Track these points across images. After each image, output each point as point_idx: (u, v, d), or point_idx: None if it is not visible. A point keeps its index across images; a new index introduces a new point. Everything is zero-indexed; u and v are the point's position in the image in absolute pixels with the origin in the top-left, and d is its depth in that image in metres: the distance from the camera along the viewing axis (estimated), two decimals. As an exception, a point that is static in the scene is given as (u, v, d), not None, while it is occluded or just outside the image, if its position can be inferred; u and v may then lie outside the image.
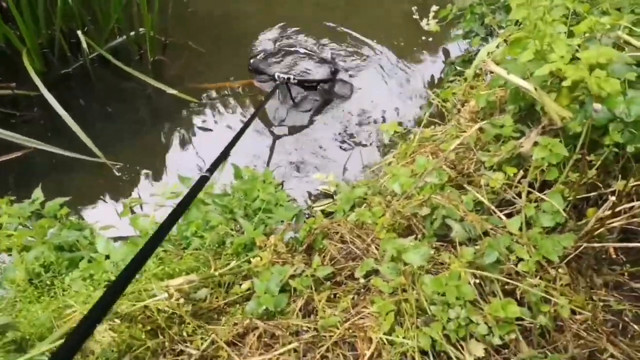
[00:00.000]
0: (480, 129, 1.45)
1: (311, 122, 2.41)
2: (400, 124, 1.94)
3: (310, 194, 2.23)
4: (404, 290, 1.07)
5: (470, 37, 2.44)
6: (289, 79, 2.30)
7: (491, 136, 1.47)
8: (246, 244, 1.37)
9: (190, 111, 2.42)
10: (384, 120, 2.49)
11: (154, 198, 1.68)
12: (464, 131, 1.61)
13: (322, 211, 1.68)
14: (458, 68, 2.33)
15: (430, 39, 2.88)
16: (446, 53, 2.83)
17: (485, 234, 1.12)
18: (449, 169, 1.43)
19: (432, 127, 1.93)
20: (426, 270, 1.06)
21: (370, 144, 2.41)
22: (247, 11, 2.93)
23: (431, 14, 2.19)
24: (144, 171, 2.17)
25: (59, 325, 1.07)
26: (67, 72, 2.41)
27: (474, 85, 1.92)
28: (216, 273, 1.21)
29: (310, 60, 2.58)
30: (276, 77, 2.31)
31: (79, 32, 2.16)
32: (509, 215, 1.19)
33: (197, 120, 2.40)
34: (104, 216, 2.03)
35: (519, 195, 1.20)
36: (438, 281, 0.97)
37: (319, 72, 2.51)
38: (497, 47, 1.88)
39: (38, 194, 1.39)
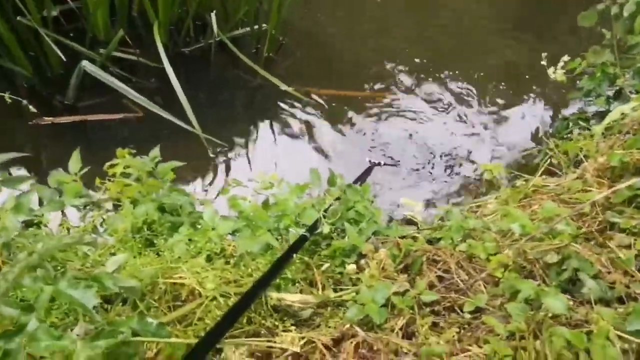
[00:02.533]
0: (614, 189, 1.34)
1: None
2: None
3: (391, 218, 2.18)
4: (522, 337, 0.97)
5: (590, 96, 2.33)
6: (379, 163, 2.29)
7: (623, 198, 1.36)
8: (345, 248, 1.32)
9: (294, 110, 2.45)
10: (471, 161, 2.42)
11: (252, 184, 1.68)
12: (590, 186, 1.51)
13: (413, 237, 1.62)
14: (576, 124, 2.22)
15: (543, 89, 2.79)
16: (556, 109, 2.71)
17: (628, 297, 1.01)
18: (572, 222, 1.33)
19: (543, 177, 1.83)
20: (558, 322, 0.96)
21: (461, 183, 2.34)
22: (357, 39, 2.96)
23: (561, 63, 2.10)
24: (241, 156, 2.20)
25: (164, 283, 1.06)
26: (185, 52, 2.50)
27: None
28: (332, 296, 1.17)
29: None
30: (368, 161, 2.29)
31: (212, 15, 2.23)
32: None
33: (299, 120, 2.42)
34: (195, 191, 2.08)
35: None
36: (579, 336, 0.87)
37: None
38: (633, 109, 1.78)
39: (156, 152, 1.41)
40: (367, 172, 2.26)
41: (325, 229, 1.31)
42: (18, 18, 1.98)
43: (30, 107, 1.75)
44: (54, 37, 1.98)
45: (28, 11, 1.98)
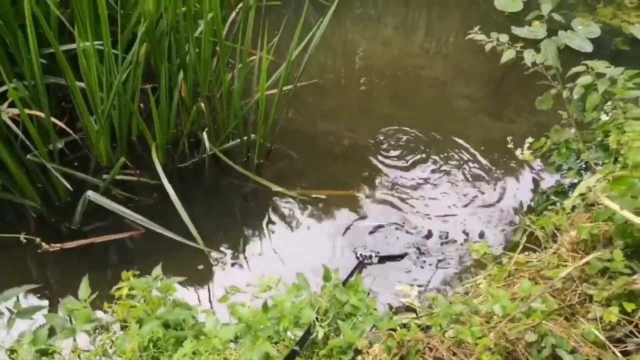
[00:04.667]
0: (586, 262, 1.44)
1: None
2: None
3: (391, 306, 2.24)
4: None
5: (562, 169, 2.49)
6: (370, 256, 2.36)
7: (596, 269, 1.46)
8: (342, 346, 1.39)
9: (287, 209, 2.60)
10: (466, 241, 2.52)
11: (250, 288, 1.77)
12: (565, 261, 1.61)
13: (404, 325, 1.68)
14: (552, 198, 2.36)
15: (518, 167, 2.96)
16: (536, 182, 2.87)
17: (603, 369, 1.08)
18: (551, 298, 1.41)
19: (526, 253, 1.93)
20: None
21: (449, 263, 2.43)
22: (339, 135, 3.18)
23: (526, 145, 2.28)
24: (239, 261, 2.31)
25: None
26: (183, 167, 2.69)
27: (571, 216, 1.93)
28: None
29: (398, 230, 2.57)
30: (357, 255, 2.36)
31: (204, 134, 2.45)
32: (624, 353, 1.14)
33: (292, 219, 2.56)
34: (197, 301, 2.16)
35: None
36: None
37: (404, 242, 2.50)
38: (597, 182, 1.92)
39: (158, 271, 1.52)
40: (360, 266, 2.34)
41: (319, 334, 1.39)
42: (28, 156, 2.18)
43: (38, 240, 1.91)
44: (60, 170, 2.17)
45: (35, 147, 2.19)
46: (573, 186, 2.46)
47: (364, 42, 4.06)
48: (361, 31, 4.20)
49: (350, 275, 2.28)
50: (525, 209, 2.67)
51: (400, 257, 2.44)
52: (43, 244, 1.92)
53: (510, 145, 2.29)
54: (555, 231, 1.93)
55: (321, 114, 3.28)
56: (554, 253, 1.68)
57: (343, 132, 3.11)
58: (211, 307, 2.06)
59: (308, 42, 2.57)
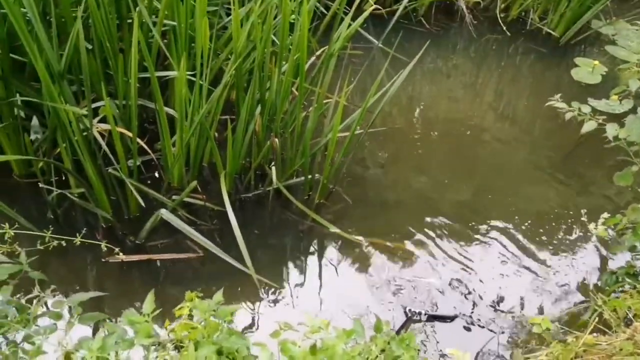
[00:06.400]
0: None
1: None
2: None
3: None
4: None
5: (636, 250, 2.36)
6: (419, 313, 2.32)
7: (678, 363, 1.35)
8: (394, 403, 1.34)
9: (341, 252, 2.60)
10: (522, 313, 2.40)
11: (301, 327, 1.76)
12: (641, 349, 1.50)
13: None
14: (623, 279, 2.23)
15: (585, 243, 2.83)
16: (603, 261, 2.72)
17: None
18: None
19: (594, 334, 1.82)
20: None
21: (502, 333, 2.32)
22: (402, 182, 3.18)
23: (601, 220, 2.19)
24: (288, 296, 2.31)
25: None
26: (246, 197, 2.76)
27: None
28: None
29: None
30: (406, 310, 2.34)
31: (272, 168, 2.52)
32: None
33: (346, 262, 2.56)
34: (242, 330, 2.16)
35: None
36: None
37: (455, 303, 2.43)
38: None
39: (219, 296, 1.54)
40: (408, 322, 2.28)
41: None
42: (109, 169, 2.31)
43: (116, 249, 2.01)
44: (137, 186, 2.28)
45: (117, 161, 2.32)
46: (646, 270, 2.32)
47: (430, 97, 4.10)
48: (429, 85, 4.25)
49: (399, 330, 2.22)
50: (591, 287, 2.53)
51: (451, 318, 2.36)
52: (120, 253, 2.00)
53: (584, 219, 2.20)
54: (627, 314, 1.82)
55: (380, 163, 3.30)
56: (629, 339, 1.57)
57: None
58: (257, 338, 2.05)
59: (382, 93, 2.63)
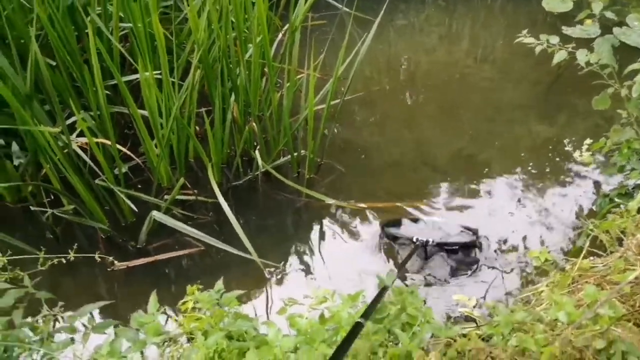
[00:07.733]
0: (655, 264, 1.37)
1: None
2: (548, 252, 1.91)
3: (449, 316, 2.21)
4: None
5: (625, 170, 2.38)
6: (427, 241, 2.33)
7: (668, 272, 1.39)
8: (400, 355, 1.39)
9: (339, 221, 2.64)
10: (525, 248, 2.44)
11: (307, 300, 1.81)
12: (633, 265, 1.54)
13: (464, 335, 1.65)
14: (615, 200, 2.26)
15: (577, 170, 2.85)
16: (597, 185, 2.75)
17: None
18: (619, 303, 1.36)
19: (591, 258, 1.85)
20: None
21: (511, 270, 2.36)
22: (392, 143, 3.19)
23: (585, 146, 2.21)
24: (294, 274, 2.36)
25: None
26: (237, 185, 2.79)
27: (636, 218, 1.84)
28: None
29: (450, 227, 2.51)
30: (414, 239, 2.35)
31: (256, 152, 2.54)
32: None
33: (344, 230, 2.59)
34: (254, 313, 2.22)
35: None
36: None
37: (460, 238, 2.45)
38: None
39: (220, 285, 1.58)
40: (416, 250, 2.30)
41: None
42: (96, 181, 2.33)
43: (111, 259, 2.05)
44: (126, 193, 2.30)
45: (102, 172, 2.34)
46: (638, 187, 2.35)
47: (408, 53, 4.07)
48: (404, 42, 4.22)
49: (407, 259, 2.22)
50: (587, 212, 2.57)
51: (463, 245, 2.36)
52: (115, 262, 2.04)
53: (568, 148, 2.22)
54: (621, 234, 1.85)
55: (368, 126, 3.31)
56: (621, 257, 1.61)
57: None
58: (267, 319, 2.11)
59: (353, 58, 2.61)
